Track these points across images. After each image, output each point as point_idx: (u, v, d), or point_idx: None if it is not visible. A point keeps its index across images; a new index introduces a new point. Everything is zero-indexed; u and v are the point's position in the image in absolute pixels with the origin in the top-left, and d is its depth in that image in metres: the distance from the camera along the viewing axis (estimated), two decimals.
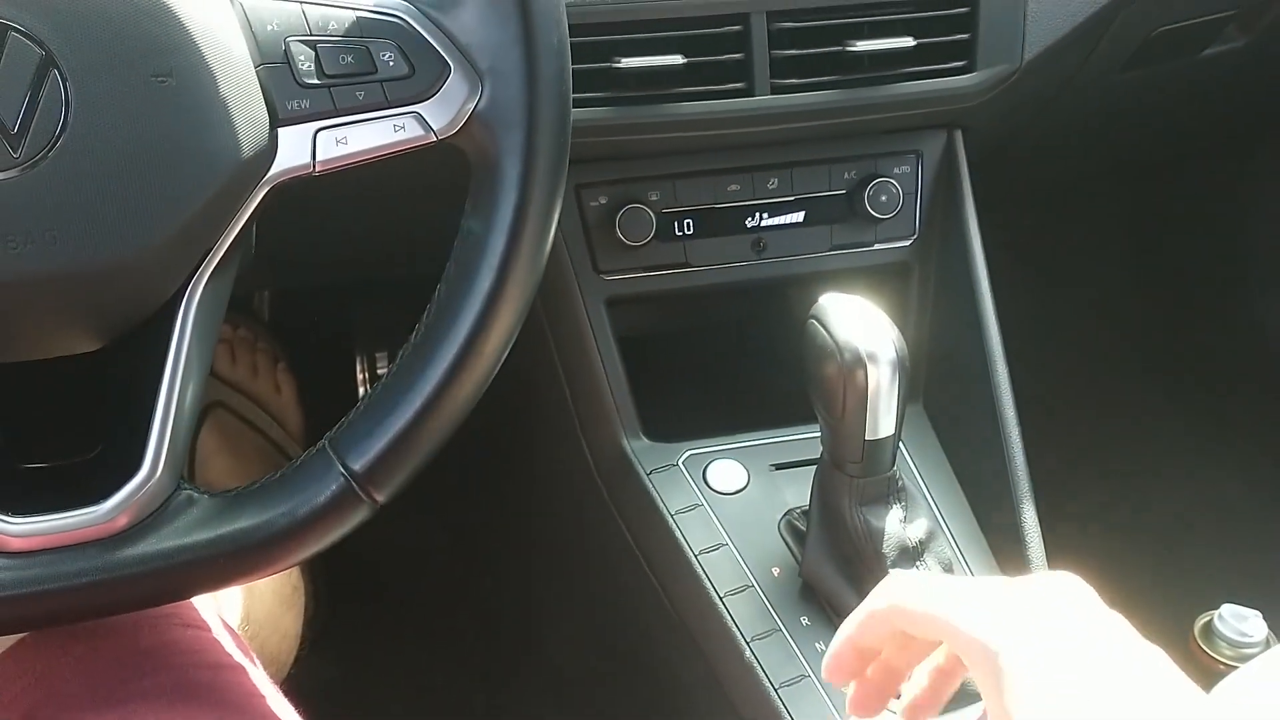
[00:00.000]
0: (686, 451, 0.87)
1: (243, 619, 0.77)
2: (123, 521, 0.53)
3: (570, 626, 1.12)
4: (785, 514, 0.84)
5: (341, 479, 0.55)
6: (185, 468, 0.55)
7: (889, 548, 0.75)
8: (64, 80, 0.49)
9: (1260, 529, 1.36)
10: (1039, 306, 1.29)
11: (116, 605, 0.55)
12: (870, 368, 0.72)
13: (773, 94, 0.83)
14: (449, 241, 0.59)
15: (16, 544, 0.52)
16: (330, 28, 0.54)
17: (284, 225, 0.59)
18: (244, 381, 1.32)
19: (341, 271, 1.09)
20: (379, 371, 1.33)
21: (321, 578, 1.10)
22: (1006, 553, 0.84)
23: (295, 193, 0.56)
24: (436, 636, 1.24)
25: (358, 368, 1.35)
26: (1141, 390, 1.40)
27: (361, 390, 1.33)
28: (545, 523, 1.13)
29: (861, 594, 0.76)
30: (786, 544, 0.83)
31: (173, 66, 0.51)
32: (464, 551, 1.31)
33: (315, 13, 0.54)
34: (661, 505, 0.84)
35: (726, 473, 0.86)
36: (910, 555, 0.76)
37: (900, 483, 0.77)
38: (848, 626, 0.53)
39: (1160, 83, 1.05)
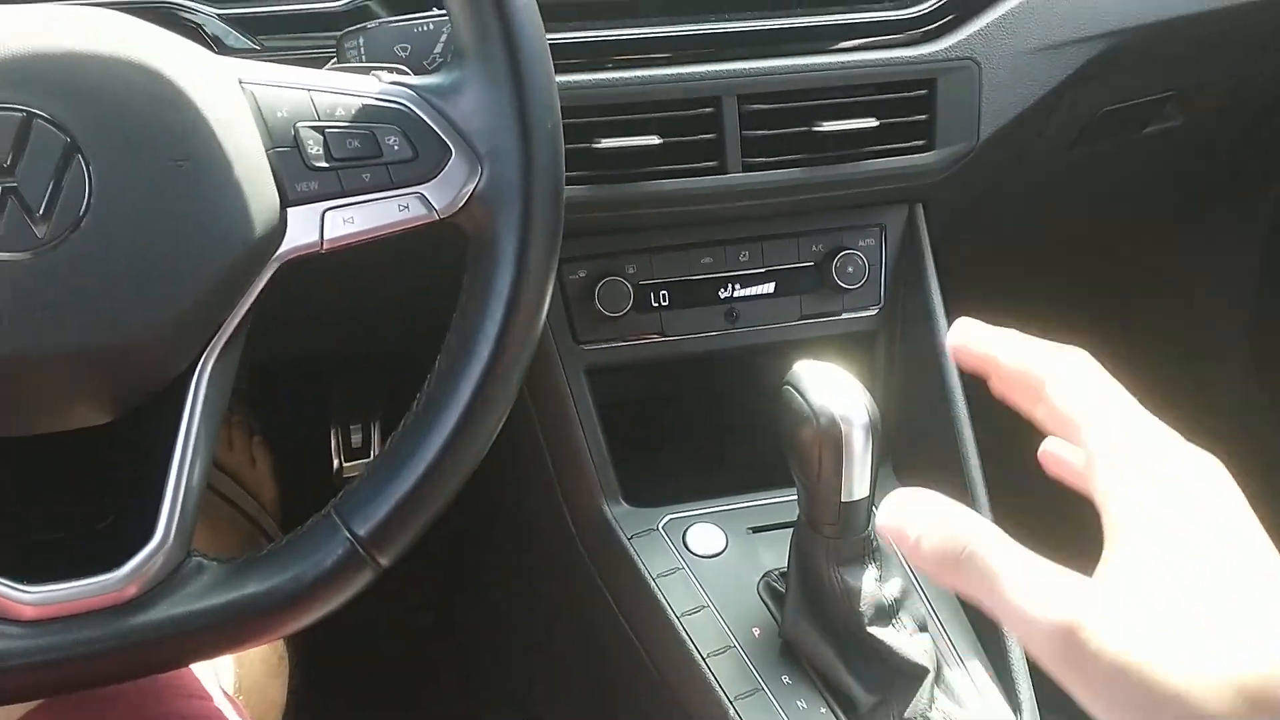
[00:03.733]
0: (666, 516, 0.90)
1: (235, 687, 0.77)
2: (133, 590, 0.54)
3: (554, 691, 1.13)
4: (763, 576, 0.87)
5: (347, 543, 0.57)
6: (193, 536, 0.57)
7: (865, 606, 0.78)
8: (87, 165, 0.52)
9: None
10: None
11: (129, 671, 0.56)
12: (845, 431, 0.75)
13: (744, 172, 0.87)
14: (436, 316, 0.62)
15: (30, 613, 0.53)
16: (337, 114, 0.57)
17: (284, 298, 0.61)
18: (219, 455, 1.33)
19: (332, 345, 1.11)
20: (354, 444, 1.34)
21: (304, 647, 1.10)
22: (978, 609, 0.87)
23: (299, 268, 0.58)
24: (418, 706, 1.24)
25: (332, 441, 1.36)
26: None
27: (336, 462, 1.34)
28: (527, 587, 1.14)
29: (841, 653, 0.79)
30: (766, 605, 0.85)
31: (189, 151, 0.53)
32: (445, 618, 1.31)
33: (323, 99, 0.57)
34: (643, 569, 0.86)
35: (706, 536, 0.89)
36: (886, 613, 0.79)
37: (875, 543, 0.79)
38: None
39: (1106, 159, 1.10)
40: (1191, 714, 0.36)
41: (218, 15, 0.76)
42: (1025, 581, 0.38)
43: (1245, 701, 0.35)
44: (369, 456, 1.26)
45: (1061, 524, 1.45)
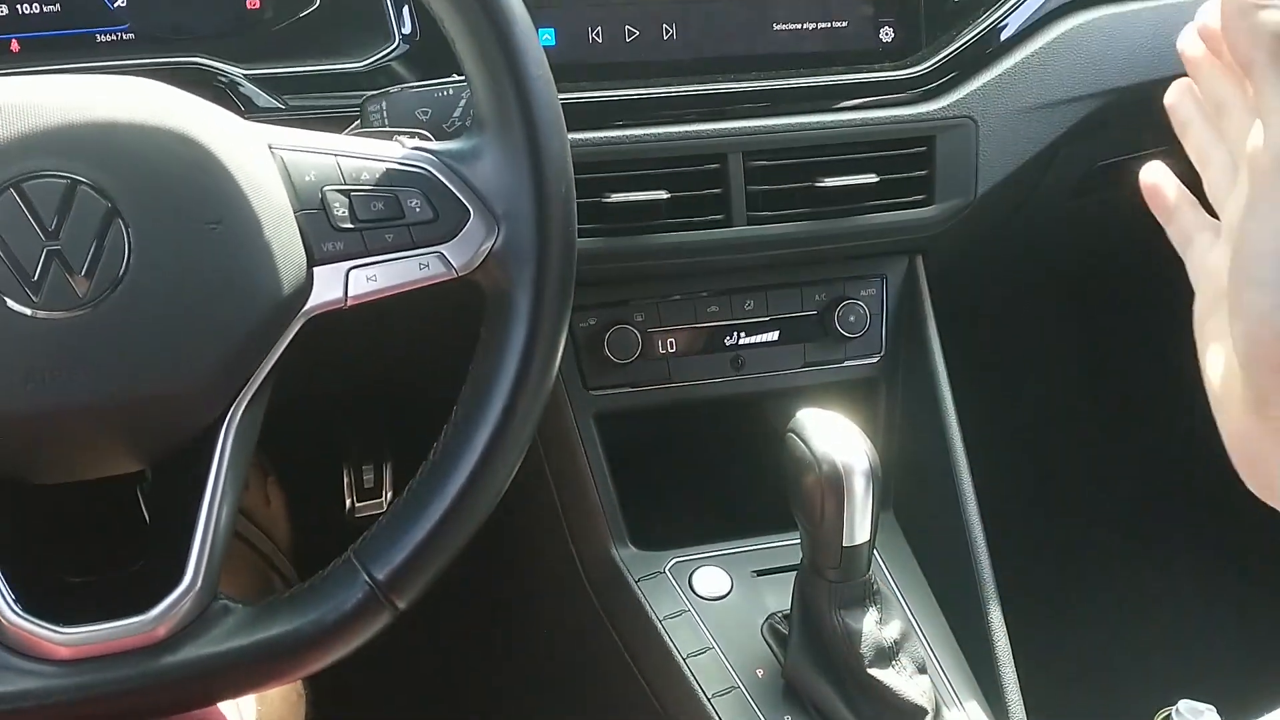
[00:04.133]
0: (673, 559, 0.92)
1: None
2: (162, 631, 0.57)
3: None
4: (767, 618, 0.89)
5: (366, 587, 0.59)
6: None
7: (866, 648, 0.80)
8: (126, 228, 0.55)
9: (1211, 625, 1.41)
10: (996, 411, 1.35)
11: (158, 709, 0.58)
12: (847, 478, 0.77)
13: (748, 225, 0.90)
14: (448, 360, 0.64)
15: (65, 653, 0.56)
16: (362, 178, 0.60)
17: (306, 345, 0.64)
18: None
19: (346, 388, 1.14)
20: (366, 484, 1.36)
21: (320, 683, 1.12)
22: (975, 651, 0.89)
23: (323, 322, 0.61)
24: None
25: (345, 481, 1.38)
26: (1094, 491, 1.47)
27: (349, 502, 1.36)
28: (536, 628, 1.16)
29: (842, 694, 0.81)
30: (769, 647, 0.87)
31: (222, 214, 0.56)
32: (454, 657, 1.33)
33: (349, 164, 0.60)
34: (650, 611, 0.88)
35: (711, 579, 0.91)
36: (886, 655, 0.81)
37: (875, 586, 0.82)
38: None
39: (1104, 209, 1.13)
40: None
41: (244, 75, 0.80)
42: None
43: None
44: (381, 496, 1.28)
45: (1054, 555, 1.47)
